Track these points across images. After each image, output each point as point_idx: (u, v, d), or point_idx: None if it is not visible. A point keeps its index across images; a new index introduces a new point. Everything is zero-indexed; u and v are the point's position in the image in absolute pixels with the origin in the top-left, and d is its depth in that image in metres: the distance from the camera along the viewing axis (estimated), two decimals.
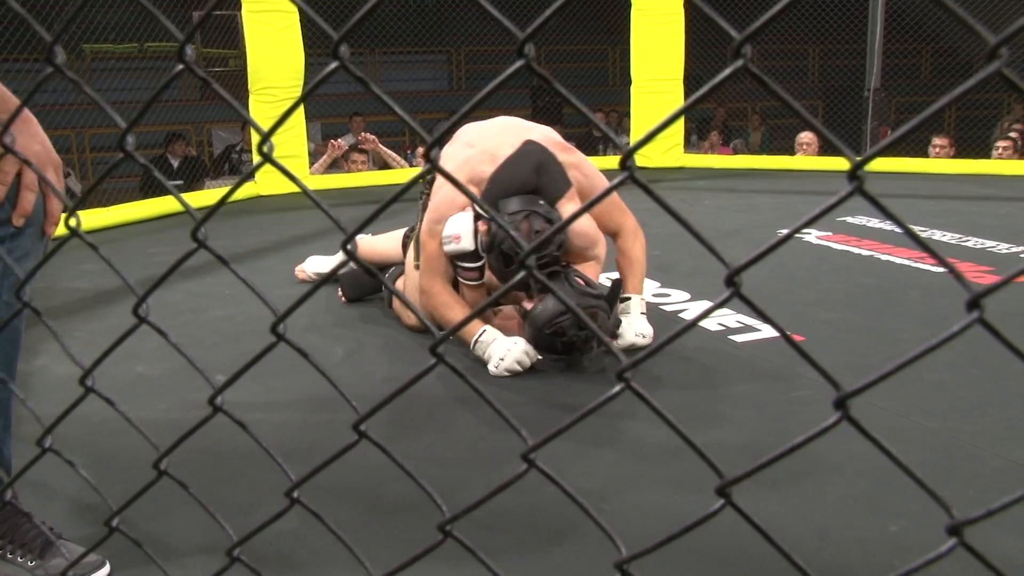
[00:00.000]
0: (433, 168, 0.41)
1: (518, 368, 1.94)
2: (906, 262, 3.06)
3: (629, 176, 0.38)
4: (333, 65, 0.42)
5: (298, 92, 5.32)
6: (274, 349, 0.52)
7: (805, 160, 6.01)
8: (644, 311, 2.16)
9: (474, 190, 2.02)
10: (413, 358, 2.12)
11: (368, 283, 2.68)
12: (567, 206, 2.04)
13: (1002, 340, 0.34)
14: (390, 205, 0.45)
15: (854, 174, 0.35)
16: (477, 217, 1.98)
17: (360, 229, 0.44)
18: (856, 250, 3.28)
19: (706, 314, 0.41)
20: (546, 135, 2.18)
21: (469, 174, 2.07)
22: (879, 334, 2.24)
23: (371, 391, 1.90)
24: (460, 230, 1.98)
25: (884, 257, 3.15)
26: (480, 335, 2.00)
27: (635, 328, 2.10)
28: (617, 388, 0.40)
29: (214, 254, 0.50)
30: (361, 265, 0.50)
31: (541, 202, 1.98)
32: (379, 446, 0.49)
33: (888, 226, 3.77)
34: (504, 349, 1.95)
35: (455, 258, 2.02)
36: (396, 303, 2.49)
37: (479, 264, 2.02)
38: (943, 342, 0.34)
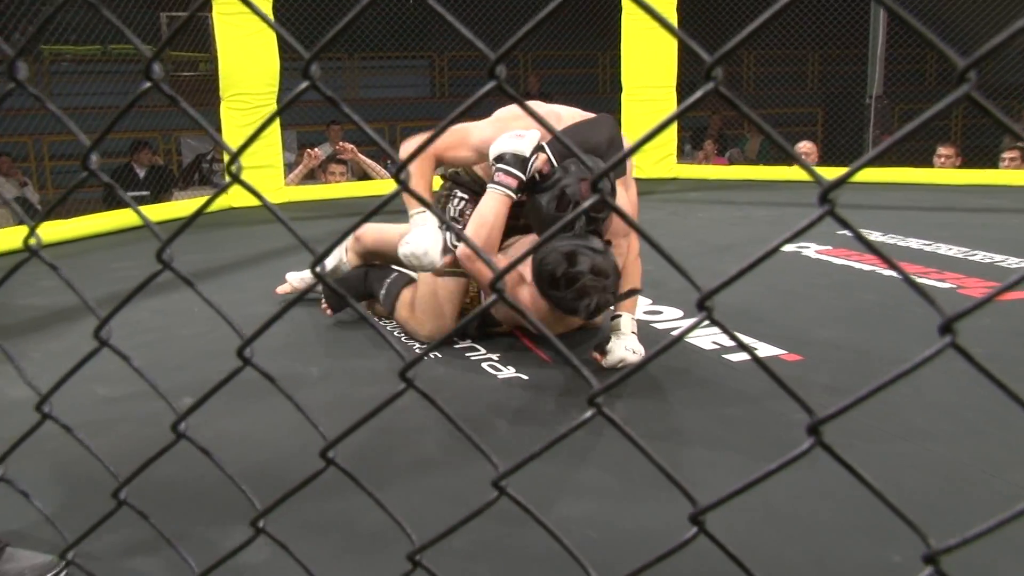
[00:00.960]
0: (404, 189, 0.42)
1: (415, 260, 1.99)
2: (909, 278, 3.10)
3: (599, 196, 0.40)
4: (303, 85, 0.44)
5: (273, 99, 5.34)
6: (246, 371, 0.53)
7: (803, 170, 6.08)
8: (635, 331, 2.18)
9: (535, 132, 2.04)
10: (393, 380, 2.12)
11: (356, 290, 2.66)
12: (619, 191, 2.12)
13: (975, 365, 0.35)
14: (369, 219, 0.47)
15: (824, 198, 0.37)
16: (538, 149, 1.98)
17: (331, 250, 0.46)
18: (857, 265, 3.32)
19: (677, 340, 0.42)
20: (579, 114, 2.26)
21: (529, 123, 2.08)
22: (880, 353, 2.26)
23: (346, 416, 1.90)
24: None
25: (886, 273, 3.18)
26: (416, 212, 2.06)
27: (625, 343, 2.12)
28: (588, 414, 0.41)
29: (180, 276, 0.51)
30: (330, 287, 0.51)
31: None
32: (347, 473, 0.50)
33: (891, 239, 3.82)
34: (420, 237, 1.97)
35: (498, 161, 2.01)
36: (402, 311, 2.45)
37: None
38: (915, 367, 0.35)
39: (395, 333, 2.56)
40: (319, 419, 1.71)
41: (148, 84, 0.47)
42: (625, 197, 2.17)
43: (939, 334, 0.37)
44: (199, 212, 0.48)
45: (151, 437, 1.78)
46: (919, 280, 3.04)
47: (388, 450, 1.71)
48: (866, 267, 3.29)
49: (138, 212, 0.49)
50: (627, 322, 2.17)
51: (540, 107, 2.18)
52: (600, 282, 1.85)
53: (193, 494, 1.52)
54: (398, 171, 0.49)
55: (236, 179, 0.49)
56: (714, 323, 0.41)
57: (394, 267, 2.61)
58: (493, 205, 2.04)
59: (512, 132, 2.01)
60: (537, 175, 1.97)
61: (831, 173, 5.34)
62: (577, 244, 1.87)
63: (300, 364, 2.29)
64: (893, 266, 0.37)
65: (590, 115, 2.19)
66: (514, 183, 1.99)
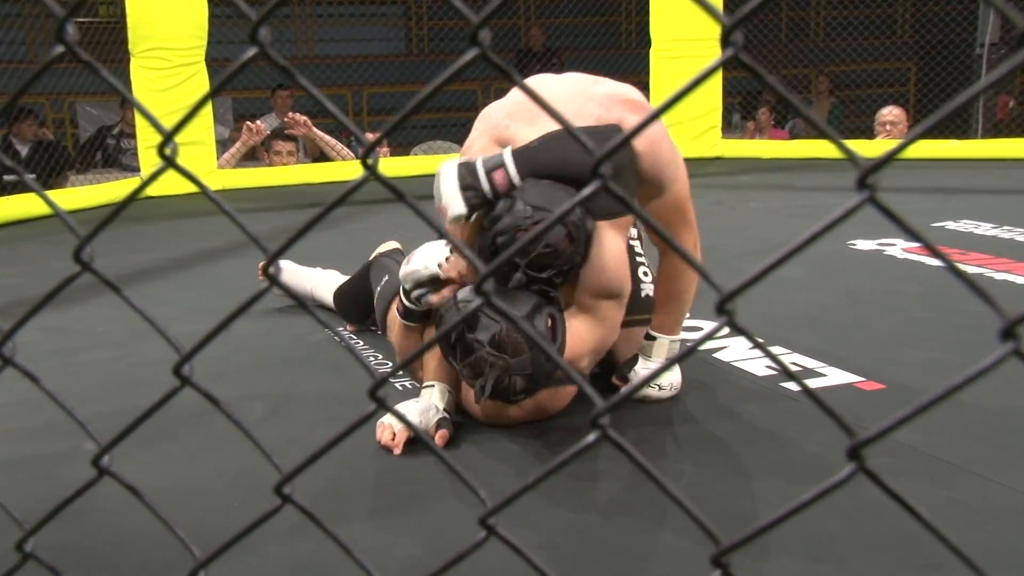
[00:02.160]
0: (374, 177, 0.45)
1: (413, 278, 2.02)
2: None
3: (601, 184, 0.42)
4: (251, 52, 0.46)
5: (199, 56, 5.38)
6: (167, 405, 0.55)
7: (888, 145, 6.12)
8: (672, 355, 2.19)
9: (496, 149, 2.00)
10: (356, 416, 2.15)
11: (364, 300, 2.72)
12: (608, 233, 1.98)
13: None
14: (330, 211, 0.49)
15: (863, 183, 0.40)
16: (496, 165, 1.91)
17: (286, 248, 0.48)
18: (959, 267, 3.35)
19: (689, 353, 0.45)
20: (613, 93, 2.11)
21: (495, 132, 2.06)
22: (985, 381, 2.28)
23: (299, 457, 1.92)
24: (426, 260, 2.00)
25: (999, 276, 3.21)
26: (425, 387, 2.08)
27: (650, 368, 2.14)
28: (591, 437, 0.43)
29: (103, 280, 0.54)
30: (288, 292, 0.53)
31: (577, 211, 1.88)
32: (306, 512, 0.53)
33: (1006, 233, 3.85)
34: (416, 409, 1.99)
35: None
36: (392, 326, 2.39)
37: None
38: (972, 379, 0.38)
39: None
40: (262, 462, 1.74)
41: (60, 49, 0.50)
42: (615, 245, 2.02)
43: (999, 340, 0.40)
44: (131, 198, 0.51)
45: (57, 479, 1.80)
46: None
47: (354, 483, 1.73)
48: (971, 268, 3.32)
49: (47, 199, 0.51)
50: (661, 347, 2.19)
51: (541, 87, 2.14)
52: (502, 360, 1.79)
53: (110, 550, 1.54)
54: (366, 154, 0.52)
55: (171, 163, 0.52)
56: (737, 329, 0.43)
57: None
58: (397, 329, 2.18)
59: (415, 261, 2.03)
60: (492, 195, 1.89)
61: (926, 150, 5.31)
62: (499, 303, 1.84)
63: (241, 397, 2.31)
64: (948, 263, 0.40)
65: (609, 119, 2.02)
66: (402, 310, 2.12)
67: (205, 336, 0.54)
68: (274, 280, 0.50)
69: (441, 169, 1.92)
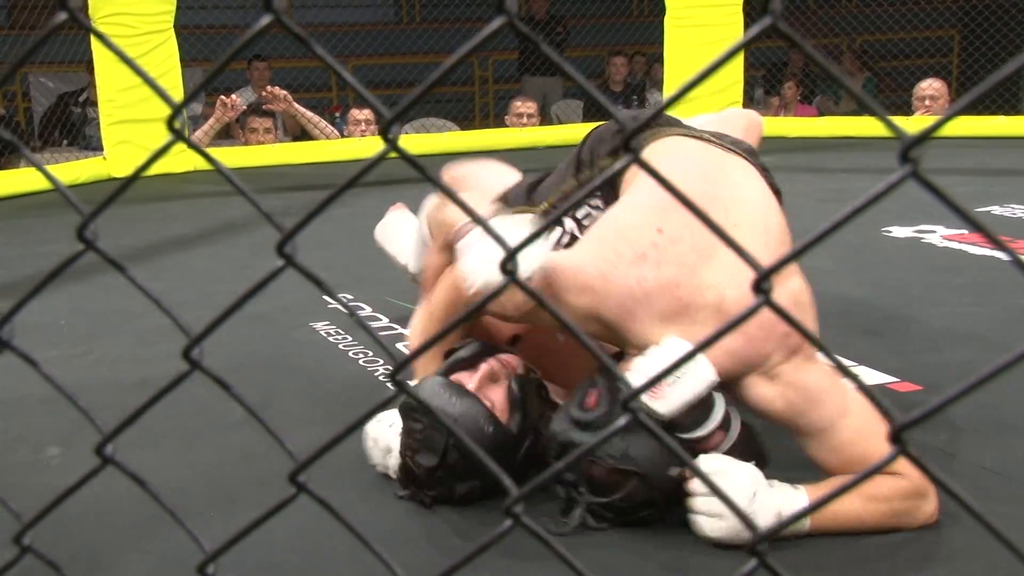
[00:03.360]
0: (395, 150, 0.46)
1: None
2: None
3: (633, 158, 0.44)
4: (264, 21, 0.48)
5: (168, 23, 5.39)
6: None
7: (928, 122, 6.13)
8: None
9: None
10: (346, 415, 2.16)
11: None
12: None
13: None
14: (339, 196, 0.51)
15: (905, 156, 0.40)
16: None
17: (301, 227, 0.49)
18: (1005, 256, 3.36)
19: (707, 344, 0.46)
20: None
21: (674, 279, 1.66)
22: None
23: (283, 459, 1.94)
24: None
25: None
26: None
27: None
28: (507, 525, 0.45)
29: (107, 258, 0.56)
30: (310, 276, 0.55)
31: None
32: (322, 502, 0.54)
33: None
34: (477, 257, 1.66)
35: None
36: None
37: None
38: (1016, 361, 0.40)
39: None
40: (238, 467, 1.76)
41: (64, 16, 0.51)
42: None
43: None
44: (138, 174, 0.53)
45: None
46: None
47: (362, 473, 1.77)
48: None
49: (45, 173, 0.53)
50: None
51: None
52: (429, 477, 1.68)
53: (116, 538, 1.56)
54: (386, 127, 0.53)
55: (180, 136, 0.53)
56: (773, 308, 0.45)
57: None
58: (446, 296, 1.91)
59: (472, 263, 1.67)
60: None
61: (973, 127, 5.30)
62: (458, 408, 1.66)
63: (221, 392, 2.32)
64: (1007, 251, 0.42)
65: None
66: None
67: (215, 319, 0.56)
68: (291, 260, 0.52)
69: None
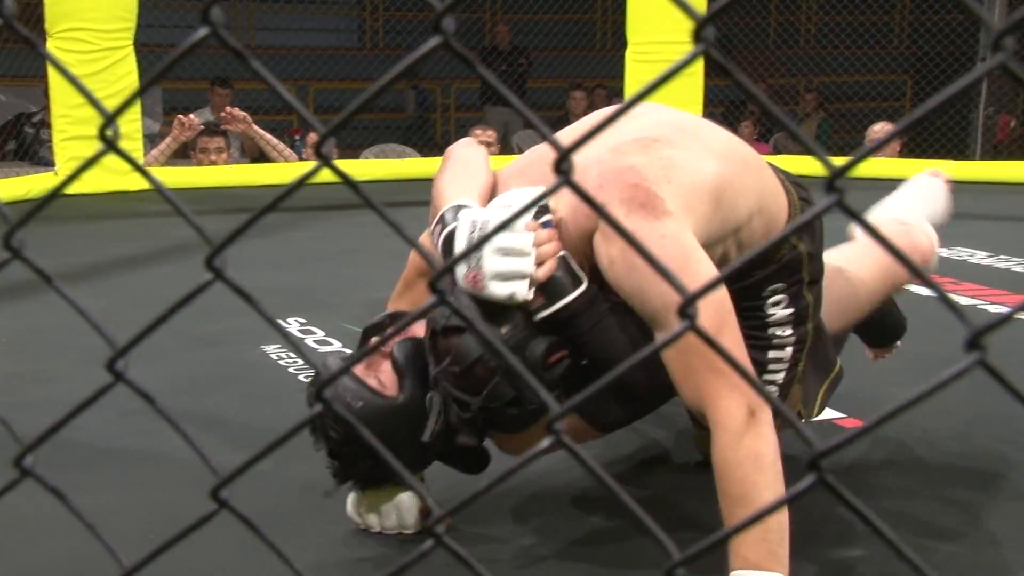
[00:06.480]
0: (326, 165, 0.44)
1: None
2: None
3: (564, 180, 0.42)
4: (201, 32, 0.46)
5: (128, 39, 5.34)
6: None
7: (880, 164, 6.22)
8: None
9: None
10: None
11: None
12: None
13: (1006, 386, 0.40)
14: (282, 201, 0.49)
15: (832, 186, 0.42)
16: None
17: (231, 241, 0.47)
18: (953, 297, 3.39)
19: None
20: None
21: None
22: (973, 421, 2.31)
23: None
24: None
25: (992, 308, 3.27)
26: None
27: None
28: (428, 544, 0.44)
29: (34, 268, 0.54)
30: (239, 291, 0.52)
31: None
32: (243, 518, 0.52)
33: (1002, 262, 3.91)
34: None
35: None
36: None
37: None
38: (942, 386, 0.40)
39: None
40: (176, 487, 1.71)
41: None
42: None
43: (965, 350, 0.46)
44: (66, 183, 0.50)
45: None
46: None
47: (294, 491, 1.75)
48: (964, 299, 3.37)
49: None
50: None
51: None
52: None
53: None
54: (320, 142, 0.51)
55: (111, 146, 0.51)
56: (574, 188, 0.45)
57: None
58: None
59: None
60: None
61: (921, 167, 5.38)
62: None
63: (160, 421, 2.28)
64: (920, 275, 0.43)
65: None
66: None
67: (142, 330, 0.55)
68: (219, 274, 0.50)
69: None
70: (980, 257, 4.03)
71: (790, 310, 1.75)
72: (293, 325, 3.03)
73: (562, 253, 1.55)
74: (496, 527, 1.80)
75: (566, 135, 1.83)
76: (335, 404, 1.54)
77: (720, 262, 1.62)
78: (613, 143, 1.63)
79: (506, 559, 1.68)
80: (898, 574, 1.57)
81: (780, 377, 1.78)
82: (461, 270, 1.50)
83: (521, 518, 1.85)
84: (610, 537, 1.76)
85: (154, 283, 3.59)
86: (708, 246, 1.57)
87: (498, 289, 1.49)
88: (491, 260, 1.49)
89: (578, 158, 0.49)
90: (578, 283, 1.54)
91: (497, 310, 1.53)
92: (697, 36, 0.45)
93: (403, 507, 1.71)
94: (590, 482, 1.88)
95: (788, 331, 1.77)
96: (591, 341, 1.57)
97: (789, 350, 1.78)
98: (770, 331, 1.76)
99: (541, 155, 1.80)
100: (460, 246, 1.52)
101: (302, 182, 0.48)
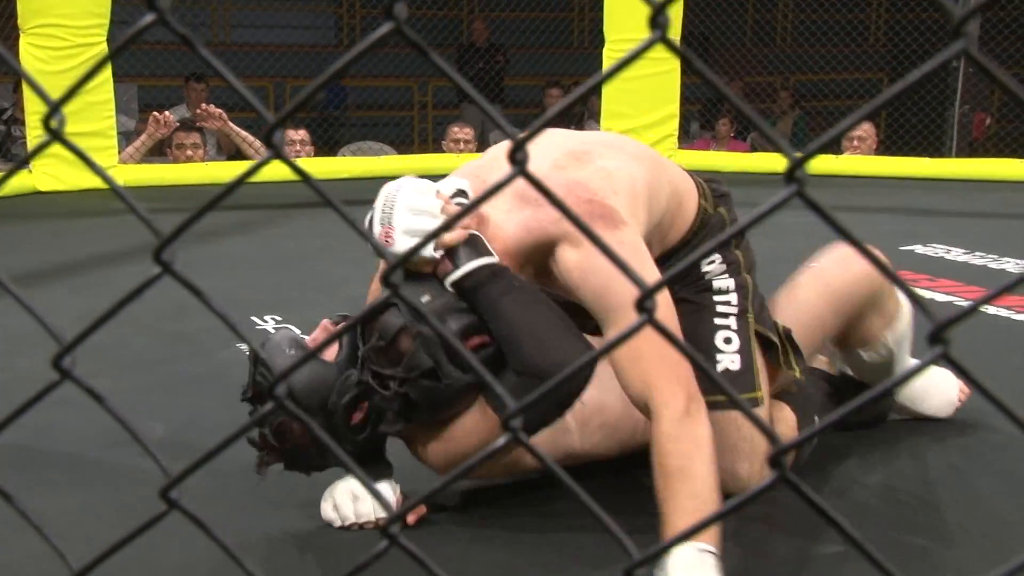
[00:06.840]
0: (278, 157, 0.44)
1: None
2: (1000, 312, 3.17)
3: (519, 171, 0.42)
4: (148, 19, 0.45)
5: (102, 35, 5.30)
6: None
7: (856, 162, 6.24)
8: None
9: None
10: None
11: None
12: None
13: (970, 381, 0.41)
14: (232, 191, 0.48)
15: (791, 175, 0.42)
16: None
17: (179, 233, 0.47)
18: (929, 293, 3.42)
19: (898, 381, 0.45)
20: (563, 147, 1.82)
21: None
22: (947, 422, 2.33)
23: (196, 481, 1.89)
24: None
25: (966, 303, 3.27)
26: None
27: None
28: (383, 545, 0.44)
29: None
30: (187, 284, 0.52)
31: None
32: (193, 518, 0.52)
33: (978, 259, 3.94)
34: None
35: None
36: None
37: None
38: (904, 379, 0.40)
39: None
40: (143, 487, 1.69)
41: None
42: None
43: (928, 343, 0.46)
44: (13, 171, 0.49)
45: None
46: (1018, 318, 3.13)
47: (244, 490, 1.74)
48: (940, 296, 3.38)
49: None
50: (687, 559, 1.49)
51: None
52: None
53: None
54: (269, 132, 0.51)
55: (56, 136, 0.50)
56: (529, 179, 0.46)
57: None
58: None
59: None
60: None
61: (900, 167, 5.39)
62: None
63: (137, 413, 2.26)
64: (873, 259, 0.43)
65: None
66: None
67: (90, 325, 0.54)
68: (167, 267, 0.50)
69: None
70: (956, 254, 4.06)
71: (724, 266, 1.92)
72: (269, 323, 3.02)
73: (474, 231, 1.67)
74: (459, 526, 1.81)
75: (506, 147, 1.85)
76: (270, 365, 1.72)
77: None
78: (551, 158, 1.77)
79: (467, 558, 1.68)
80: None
81: (732, 322, 1.90)
82: (376, 228, 1.64)
83: (486, 517, 1.86)
84: (575, 537, 1.77)
85: (132, 280, 3.48)
86: (646, 242, 1.76)
87: (406, 243, 1.61)
88: (401, 216, 1.62)
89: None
90: (486, 255, 1.65)
91: (416, 280, 1.65)
92: (653, 22, 0.46)
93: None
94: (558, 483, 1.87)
95: (726, 278, 1.92)
96: (497, 314, 1.64)
97: (734, 295, 1.91)
98: (707, 278, 1.92)
99: (496, 155, 1.96)
100: (376, 206, 1.66)
101: (249, 175, 0.48)
